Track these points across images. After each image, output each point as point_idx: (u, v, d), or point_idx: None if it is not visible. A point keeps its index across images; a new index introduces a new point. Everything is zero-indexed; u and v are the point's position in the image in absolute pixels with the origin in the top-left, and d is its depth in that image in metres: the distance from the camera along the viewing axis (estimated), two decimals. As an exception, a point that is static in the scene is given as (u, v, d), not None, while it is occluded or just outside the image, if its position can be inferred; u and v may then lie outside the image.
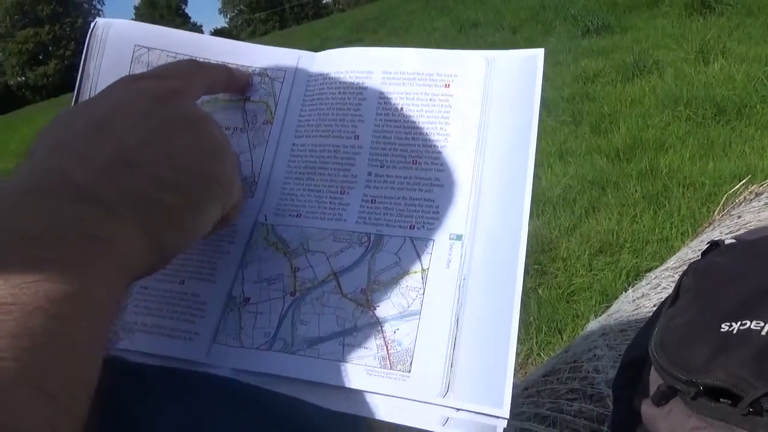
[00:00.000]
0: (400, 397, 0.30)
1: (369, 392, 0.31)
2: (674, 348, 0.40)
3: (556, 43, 5.26)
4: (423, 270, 0.33)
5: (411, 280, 0.33)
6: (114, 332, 0.23)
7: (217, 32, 73.56)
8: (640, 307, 0.79)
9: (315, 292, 0.34)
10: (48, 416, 0.18)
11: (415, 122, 0.37)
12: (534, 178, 0.33)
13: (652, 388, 0.40)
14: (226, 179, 0.31)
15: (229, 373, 0.32)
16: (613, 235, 2.29)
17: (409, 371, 0.31)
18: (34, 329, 0.18)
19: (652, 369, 0.41)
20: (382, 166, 0.37)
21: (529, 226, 0.32)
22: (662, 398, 0.39)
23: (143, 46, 0.43)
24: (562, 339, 1.87)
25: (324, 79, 0.41)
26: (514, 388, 0.84)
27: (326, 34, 15.76)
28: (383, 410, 0.30)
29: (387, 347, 0.31)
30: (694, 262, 0.51)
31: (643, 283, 0.91)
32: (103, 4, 62.80)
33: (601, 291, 2.01)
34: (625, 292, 0.93)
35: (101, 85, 0.43)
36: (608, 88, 3.83)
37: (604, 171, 2.80)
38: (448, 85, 0.38)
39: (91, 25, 0.43)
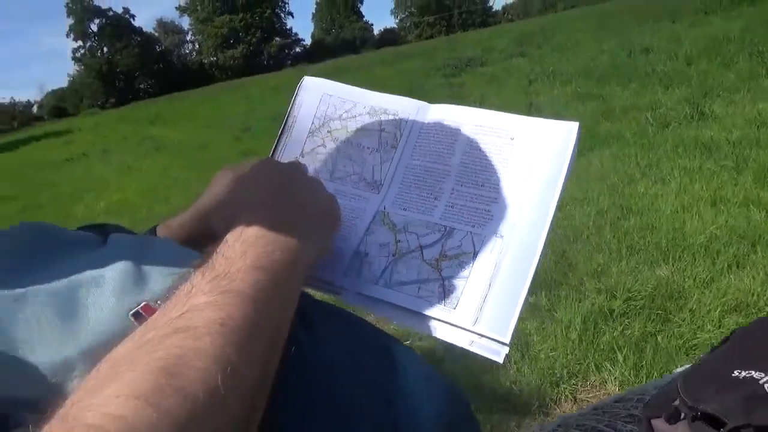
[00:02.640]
0: (447, 322, 0.49)
1: (429, 317, 0.49)
2: (694, 382, 0.50)
3: (735, 80, 4.85)
4: (474, 252, 0.51)
5: (466, 257, 0.51)
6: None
7: (386, 31, 76.51)
8: (722, 361, 0.85)
9: (407, 256, 0.53)
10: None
11: (488, 160, 0.55)
12: (556, 209, 0.50)
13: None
14: (338, 218, 0.52)
15: (354, 296, 0.53)
16: (753, 296, 2.15)
17: (455, 307, 0.49)
18: (283, 291, 0.39)
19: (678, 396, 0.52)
20: (461, 186, 0.55)
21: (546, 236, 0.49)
22: (671, 417, 0.50)
23: (329, 94, 0.64)
24: (671, 389, 1.83)
25: (433, 123, 0.60)
26: (586, 408, 0.94)
27: (489, 43, 15.72)
28: (436, 329, 0.49)
29: (444, 292, 0.50)
30: (754, 320, 0.60)
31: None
32: (290, -3, 68.58)
33: (725, 350, 1.93)
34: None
35: (300, 118, 0.63)
36: (785, 137, 3.49)
37: (758, 226, 2.60)
38: (513, 138, 0.54)
39: (301, 80, 0.65)
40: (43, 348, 0.31)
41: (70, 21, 55.80)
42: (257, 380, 0.33)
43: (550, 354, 2.18)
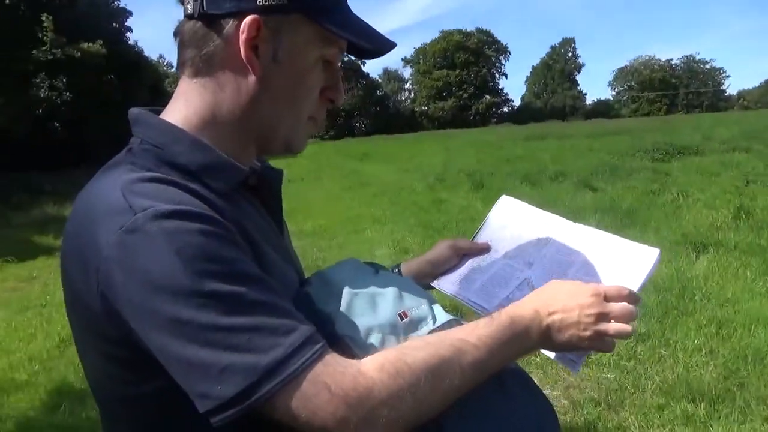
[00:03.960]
0: None
1: None
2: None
3: None
4: None
5: None
6: None
7: (599, 102, 73.74)
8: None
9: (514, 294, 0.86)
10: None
11: (593, 262, 0.84)
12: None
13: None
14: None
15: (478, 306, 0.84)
16: None
17: None
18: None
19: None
20: (577, 272, 0.85)
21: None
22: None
23: (515, 207, 1.00)
24: None
25: (569, 236, 0.91)
26: None
27: (711, 131, 14.22)
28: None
29: None
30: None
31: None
32: (507, 59, 70.34)
33: None
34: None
35: (495, 218, 1.00)
36: None
37: None
38: (614, 250, 0.84)
39: (501, 197, 1.02)
40: (363, 318, 0.68)
41: (313, 61, 64.17)
42: (466, 389, 0.65)
43: (695, 465, 2.17)
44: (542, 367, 2.92)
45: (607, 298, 0.73)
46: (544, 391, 2.87)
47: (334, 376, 0.58)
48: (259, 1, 0.66)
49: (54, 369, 3.50)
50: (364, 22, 0.75)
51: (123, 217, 0.58)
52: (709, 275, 4.07)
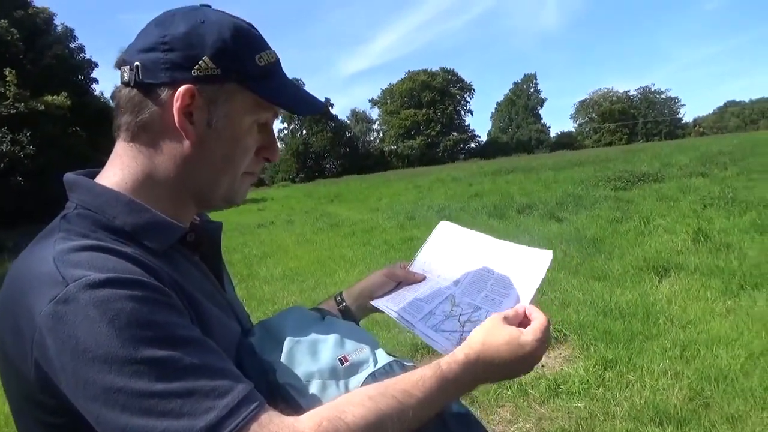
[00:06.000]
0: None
1: (448, 348, 0.79)
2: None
3: None
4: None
5: (480, 322, 0.81)
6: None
7: (563, 135, 75.82)
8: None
9: (451, 318, 0.87)
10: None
11: (507, 276, 0.91)
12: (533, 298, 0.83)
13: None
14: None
15: (418, 331, 0.85)
16: None
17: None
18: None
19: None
20: (493, 286, 0.92)
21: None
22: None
23: (452, 232, 1.06)
24: None
25: (488, 257, 0.97)
26: None
27: (669, 159, 14.78)
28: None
29: (461, 339, 0.80)
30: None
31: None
32: (472, 97, 72.22)
33: None
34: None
35: (433, 242, 1.05)
36: None
37: None
38: (521, 263, 0.92)
39: (440, 222, 1.07)
40: (303, 365, 0.69)
41: (282, 106, 64.96)
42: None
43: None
44: (514, 400, 2.91)
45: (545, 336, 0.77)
46: (516, 425, 2.86)
47: None
48: (194, 72, 0.69)
49: (11, 434, 3.34)
50: (296, 85, 0.80)
51: (55, 288, 0.59)
52: (672, 298, 4.16)
